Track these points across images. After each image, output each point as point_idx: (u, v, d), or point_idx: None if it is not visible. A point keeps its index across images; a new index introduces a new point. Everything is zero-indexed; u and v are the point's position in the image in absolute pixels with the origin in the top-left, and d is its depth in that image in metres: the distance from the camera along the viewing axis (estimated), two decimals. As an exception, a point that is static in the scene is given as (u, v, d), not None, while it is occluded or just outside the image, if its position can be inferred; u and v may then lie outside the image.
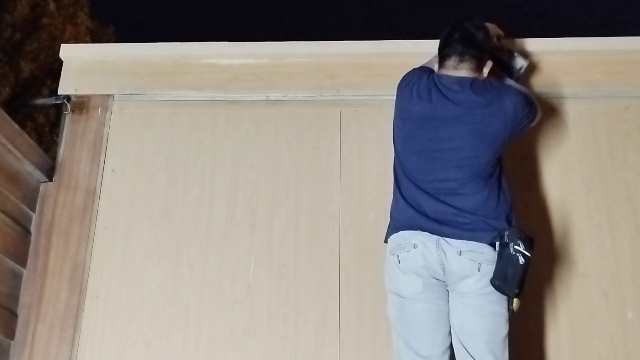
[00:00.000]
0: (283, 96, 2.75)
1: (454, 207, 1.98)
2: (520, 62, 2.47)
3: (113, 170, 2.66)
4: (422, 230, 1.97)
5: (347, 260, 2.46)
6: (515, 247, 1.87)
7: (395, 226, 2.07)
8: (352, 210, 2.54)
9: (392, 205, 2.13)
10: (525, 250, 1.87)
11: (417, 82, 2.12)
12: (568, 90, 2.69)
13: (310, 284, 2.45)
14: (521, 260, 1.87)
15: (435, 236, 1.95)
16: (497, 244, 1.93)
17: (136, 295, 2.46)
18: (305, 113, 2.72)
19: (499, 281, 1.88)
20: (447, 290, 2.00)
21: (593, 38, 2.77)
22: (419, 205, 2.01)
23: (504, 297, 1.93)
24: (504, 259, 1.89)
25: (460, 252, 1.93)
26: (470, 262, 1.92)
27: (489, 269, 1.91)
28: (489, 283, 1.90)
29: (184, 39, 2.85)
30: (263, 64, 2.79)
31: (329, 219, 2.54)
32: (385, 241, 2.11)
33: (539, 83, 2.71)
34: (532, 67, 2.54)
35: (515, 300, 1.92)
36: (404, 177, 2.08)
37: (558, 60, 2.73)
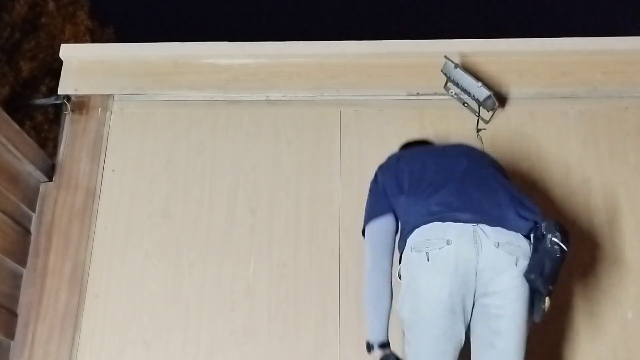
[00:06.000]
0: (283, 96, 2.75)
1: (486, 200, 1.88)
2: (484, 93, 2.50)
3: (113, 170, 2.66)
4: (456, 221, 1.82)
5: (347, 260, 2.46)
6: (554, 239, 1.75)
7: (421, 221, 1.86)
8: (352, 210, 2.54)
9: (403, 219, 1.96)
10: (563, 242, 1.75)
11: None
12: (568, 90, 2.70)
13: (310, 284, 2.45)
14: (558, 253, 1.75)
15: (471, 226, 1.80)
16: (532, 236, 1.82)
17: (136, 295, 2.46)
18: (305, 113, 2.72)
19: (535, 275, 1.75)
20: (471, 308, 1.83)
21: (593, 38, 2.77)
22: (448, 205, 1.87)
23: (527, 302, 1.80)
24: (540, 252, 1.76)
25: (498, 244, 1.78)
26: (508, 255, 1.78)
27: (525, 266, 1.78)
28: (521, 285, 1.77)
29: (184, 39, 2.86)
30: (263, 64, 2.79)
31: (329, 219, 2.54)
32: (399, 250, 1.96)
33: (540, 83, 2.71)
34: (496, 105, 2.55)
35: (547, 299, 1.78)
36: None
37: (558, 60, 2.74)
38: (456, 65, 2.50)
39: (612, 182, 2.56)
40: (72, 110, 2.75)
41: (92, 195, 2.60)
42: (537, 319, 1.81)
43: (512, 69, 2.72)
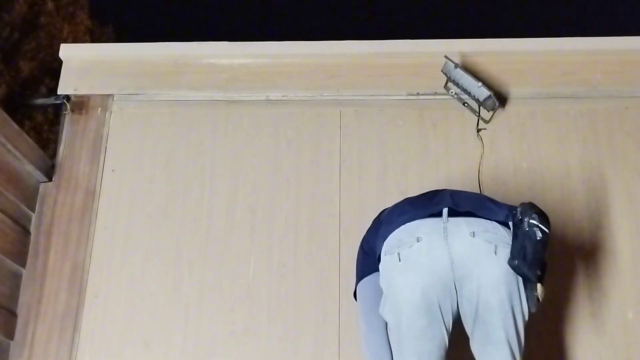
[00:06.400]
0: (283, 96, 2.75)
1: (458, 195, 1.90)
2: (484, 93, 2.51)
3: (113, 170, 2.66)
4: (427, 215, 1.81)
5: (347, 261, 2.46)
6: (531, 221, 1.72)
7: (396, 224, 1.86)
8: (352, 210, 2.54)
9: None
10: (542, 224, 1.71)
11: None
12: (568, 90, 2.70)
13: (310, 284, 2.45)
14: (539, 235, 1.70)
15: (441, 222, 1.78)
16: (511, 223, 1.78)
17: (136, 295, 2.46)
18: (305, 113, 2.72)
19: (518, 260, 1.69)
20: (451, 304, 1.80)
21: (593, 38, 2.77)
22: (418, 205, 1.90)
23: (516, 291, 1.77)
24: (520, 237, 1.72)
25: (474, 233, 1.76)
26: (486, 244, 1.75)
27: (507, 253, 1.73)
28: (505, 274, 1.73)
29: (184, 39, 2.86)
30: (263, 64, 2.79)
31: (329, 219, 2.53)
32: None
33: (540, 83, 2.71)
34: (497, 105, 2.55)
35: (539, 286, 1.72)
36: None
37: (558, 60, 2.74)
38: (456, 65, 2.51)
39: (612, 182, 2.55)
40: (72, 110, 2.75)
41: (91, 195, 2.60)
42: (532, 308, 1.78)
43: (512, 69, 2.72)
